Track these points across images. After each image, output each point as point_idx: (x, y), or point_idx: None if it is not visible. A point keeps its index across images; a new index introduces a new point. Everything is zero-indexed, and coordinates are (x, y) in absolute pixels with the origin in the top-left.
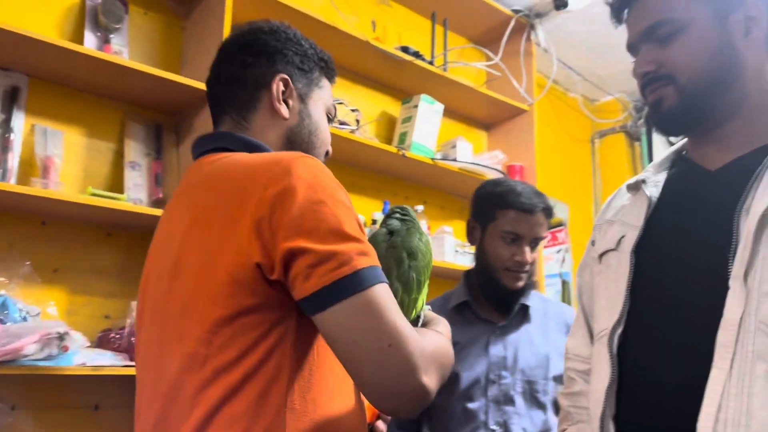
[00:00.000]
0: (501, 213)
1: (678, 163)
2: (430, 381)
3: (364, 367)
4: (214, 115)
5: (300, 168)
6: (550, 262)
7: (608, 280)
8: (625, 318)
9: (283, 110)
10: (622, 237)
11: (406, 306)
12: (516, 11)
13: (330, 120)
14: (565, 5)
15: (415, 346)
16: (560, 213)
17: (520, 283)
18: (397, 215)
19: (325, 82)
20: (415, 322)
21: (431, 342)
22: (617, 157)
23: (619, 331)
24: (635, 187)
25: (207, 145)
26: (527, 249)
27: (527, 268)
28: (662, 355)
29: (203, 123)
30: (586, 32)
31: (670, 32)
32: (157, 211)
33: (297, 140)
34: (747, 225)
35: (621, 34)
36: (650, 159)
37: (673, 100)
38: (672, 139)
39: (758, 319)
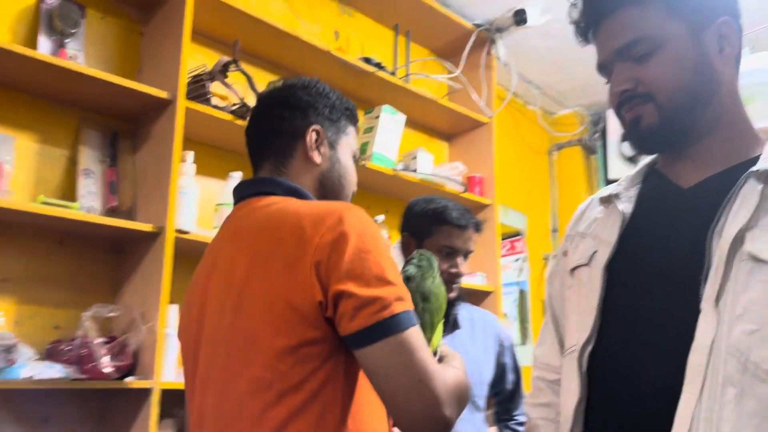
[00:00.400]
0: (437, 229)
1: (650, 177)
2: (452, 413)
3: (397, 398)
4: (254, 161)
5: (351, 218)
6: (508, 270)
7: (579, 295)
8: (596, 336)
9: (316, 157)
10: (595, 252)
11: None
12: (477, 25)
13: (355, 162)
14: (524, 21)
15: (440, 383)
16: (518, 223)
17: (453, 294)
18: (414, 262)
19: (350, 128)
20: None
21: (453, 378)
22: (574, 169)
23: (590, 348)
24: (608, 201)
25: (252, 188)
26: (461, 261)
27: (460, 280)
28: (633, 375)
29: (160, 130)
30: (545, 47)
31: (646, 50)
32: (112, 221)
33: (328, 183)
34: (719, 247)
35: (579, 50)
36: (605, 171)
37: (653, 118)
38: (627, 154)
39: (729, 342)
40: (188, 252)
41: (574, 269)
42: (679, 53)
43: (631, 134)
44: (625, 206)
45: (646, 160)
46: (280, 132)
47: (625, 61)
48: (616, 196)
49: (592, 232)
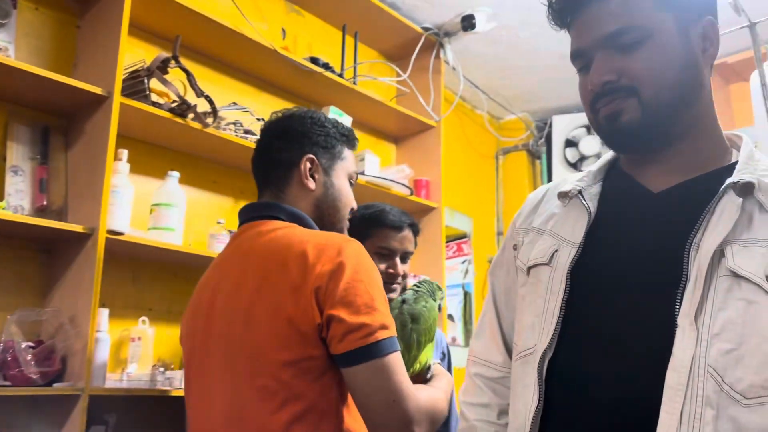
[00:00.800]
0: (374, 231)
1: (612, 176)
2: (422, 431)
3: (373, 415)
4: (259, 186)
5: (349, 250)
6: (454, 272)
7: (537, 295)
8: (556, 341)
9: (310, 184)
10: (556, 251)
11: (407, 362)
12: (426, 29)
13: (352, 183)
14: (472, 26)
15: (413, 404)
16: (464, 226)
17: (394, 295)
18: (415, 287)
19: (347, 152)
20: (424, 375)
21: (427, 398)
22: (519, 173)
23: (550, 355)
24: (567, 196)
25: (258, 212)
26: (399, 262)
27: (399, 280)
28: (600, 386)
29: (94, 127)
30: (492, 54)
31: (634, 40)
32: (41, 221)
33: (323, 206)
34: (698, 261)
35: (525, 57)
36: (549, 176)
37: (635, 114)
38: (570, 159)
39: (707, 362)
40: (121, 254)
41: (531, 267)
42: (667, 47)
43: (606, 129)
44: (590, 205)
45: (606, 156)
46: (277, 162)
47: (609, 51)
48: (580, 192)
49: (551, 229)
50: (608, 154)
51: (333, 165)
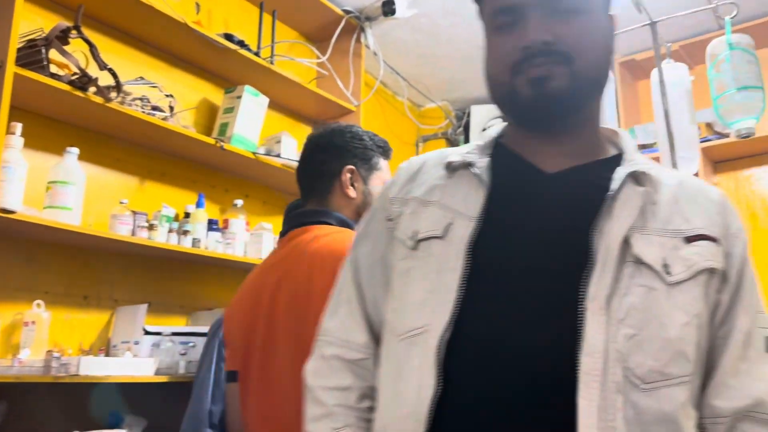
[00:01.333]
0: None
1: (498, 152)
2: None
3: None
4: (303, 195)
5: None
6: None
7: (428, 270)
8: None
9: (351, 192)
10: (450, 224)
11: None
12: (347, 11)
13: None
14: (392, 12)
15: None
16: None
17: None
18: None
19: (383, 162)
20: None
21: None
22: None
23: (448, 336)
24: (453, 167)
25: (308, 217)
26: None
27: None
28: (502, 370)
29: None
30: (413, 41)
31: (575, 7)
32: None
33: (363, 212)
34: (604, 247)
35: (445, 46)
36: None
37: (563, 81)
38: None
39: (616, 348)
40: (13, 234)
41: (421, 241)
42: (599, 26)
43: (527, 94)
44: (485, 178)
45: (490, 132)
46: (320, 174)
47: (546, 12)
48: (470, 164)
49: (438, 200)
50: (491, 131)
51: (370, 175)
